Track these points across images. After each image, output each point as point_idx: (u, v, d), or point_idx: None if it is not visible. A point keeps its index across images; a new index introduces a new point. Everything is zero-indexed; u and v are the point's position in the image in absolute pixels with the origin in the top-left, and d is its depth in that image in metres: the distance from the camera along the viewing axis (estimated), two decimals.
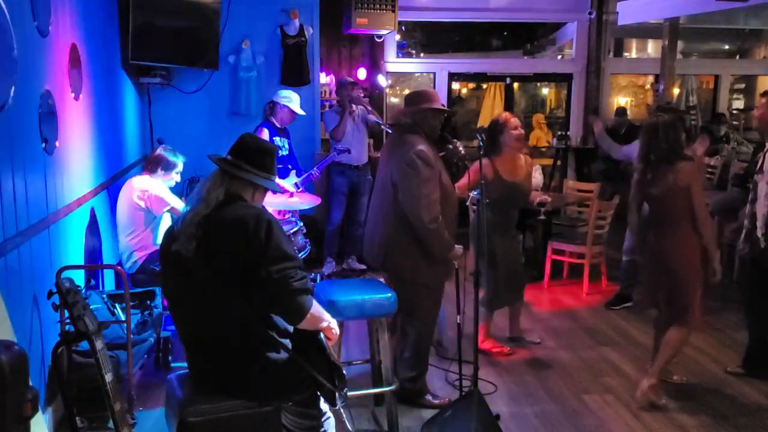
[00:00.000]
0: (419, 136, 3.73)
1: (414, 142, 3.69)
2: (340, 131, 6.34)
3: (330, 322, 2.55)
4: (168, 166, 4.51)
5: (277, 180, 5.53)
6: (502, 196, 4.40)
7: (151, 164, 4.56)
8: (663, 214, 3.91)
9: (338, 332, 2.63)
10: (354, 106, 6.46)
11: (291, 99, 5.86)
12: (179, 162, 4.58)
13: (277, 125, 5.90)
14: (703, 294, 3.94)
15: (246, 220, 2.37)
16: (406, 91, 11.03)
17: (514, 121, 4.50)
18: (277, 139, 5.79)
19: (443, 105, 3.92)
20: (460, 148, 3.92)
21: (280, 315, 2.48)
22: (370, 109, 6.66)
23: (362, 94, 6.66)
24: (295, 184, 5.74)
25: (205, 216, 2.40)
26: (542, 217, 6.19)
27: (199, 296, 2.41)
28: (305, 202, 5.23)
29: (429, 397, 3.93)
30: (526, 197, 4.67)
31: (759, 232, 4.14)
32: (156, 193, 4.38)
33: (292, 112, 5.90)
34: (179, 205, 4.41)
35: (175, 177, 4.60)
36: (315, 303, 2.47)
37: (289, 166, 5.99)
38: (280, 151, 5.77)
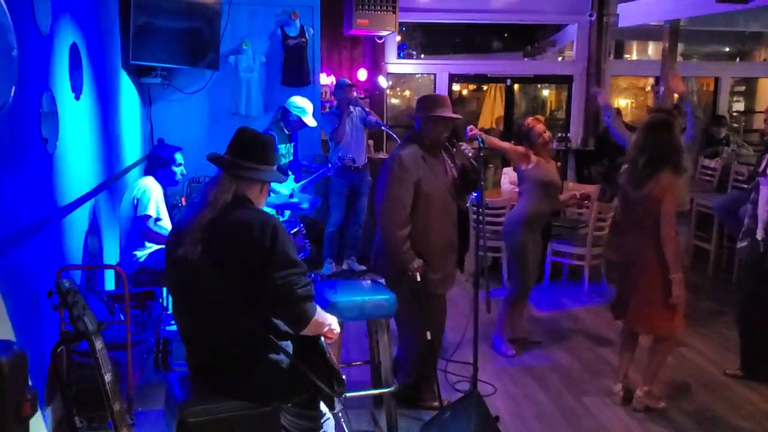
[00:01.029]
0: (415, 143, 3.74)
1: (401, 147, 3.75)
2: (339, 133, 6.34)
3: (331, 324, 2.55)
4: (165, 164, 4.46)
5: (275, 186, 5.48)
6: (551, 183, 4.66)
7: (149, 165, 4.55)
8: (637, 222, 3.83)
9: (339, 331, 2.63)
10: (351, 107, 6.46)
11: (304, 110, 5.71)
12: (174, 155, 4.47)
13: (285, 131, 5.86)
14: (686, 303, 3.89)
15: (251, 225, 2.36)
16: (407, 93, 11.05)
17: (540, 127, 4.68)
18: (282, 146, 5.76)
19: (454, 112, 3.84)
20: (465, 150, 3.89)
21: (284, 321, 2.48)
22: (368, 110, 6.67)
23: (363, 95, 6.66)
24: (292, 189, 5.72)
25: (211, 220, 2.39)
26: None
27: (202, 298, 2.40)
28: (305, 202, 5.23)
29: (429, 402, 3.92)
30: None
31: (759, 236, 4.14)
32: (142, 198, 4.30)
33: (303, 122, 5.84)
34: (154, 213, 4.28)
35: (178, 170, 4.50)
36: (318, 308, 2.47)
37: (289, 172, 5.96)
38: (282, 158, 5.75)
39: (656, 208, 3.71)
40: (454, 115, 3.82)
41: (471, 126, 4.52)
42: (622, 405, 4.00)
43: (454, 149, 3.85)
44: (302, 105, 5.73)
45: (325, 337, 2.57)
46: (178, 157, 4.51)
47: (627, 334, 4.08)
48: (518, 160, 4.68)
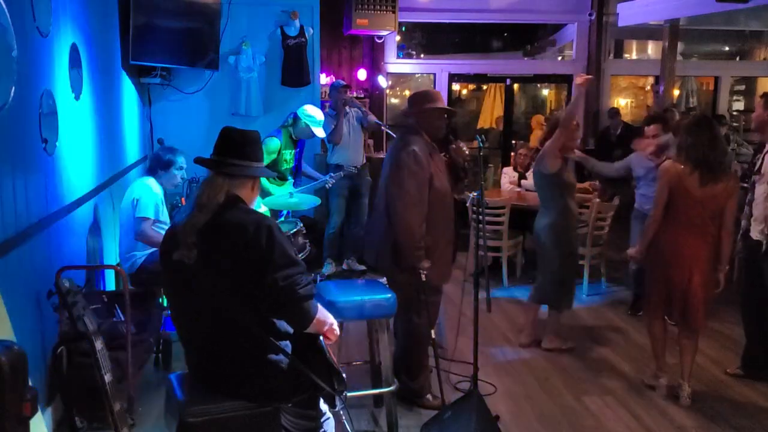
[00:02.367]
0: (419, 137, 3.72)
1: (410, 142, 3.70)
2: (336, 135, 6.35)
3: (333, 324, 2.55)
4: (165, 165, 4.46)
5: (272, 188, 5.46)
6: (574, 185, 4.68)
7: (151, 166, 4.55)
8: (694, 220, 3.88)
9: (338, 333, 2.63)
10: (348, 108, 6.46)
11: (314, 120, 5.68)
12: (176, 158, 4.47)
13: (293, 137, 5.84)
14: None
15: (246, 227, 2.34)
16: (407, 92, 11.05)
17: (577, 122, 4.68)
18: (286, 152, 5.76)
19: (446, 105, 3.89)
20: (464, 149, 3.91)
21: (287, 321, 2.48)
22: (365, 110, 6.67)
23: (362, 95, 6.65)
24: (289, 192, 5.71)
25: (205, 223, 2.38)
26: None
27: (200, 300, 2.39)
28: (305, 203, 5.22)
29: (429, 397, 3.92)
30: None
31: (754, 235, 4.15)
32: (142, 199, 4.28)
33: (312, 132, 5.81)
34: (152, 216, 4.25)
35: (179, 173, 4.49)
36: (319, 306, 2.47)
37: (289, 177, 5.95)
38: (285, 164, 5.75)
39: (720, 205, 3.85)
40: (450, 108, 3.83)
41: (581, 74, 4.50)
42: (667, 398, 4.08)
43: (453, 146, 3.86)
44: (313, 114, 5.71)
45: (326, 337, 2.57)
46: (180, 159, 4.49)
47: (657, 328, 4.14)
48: (556, 150, 4.47)
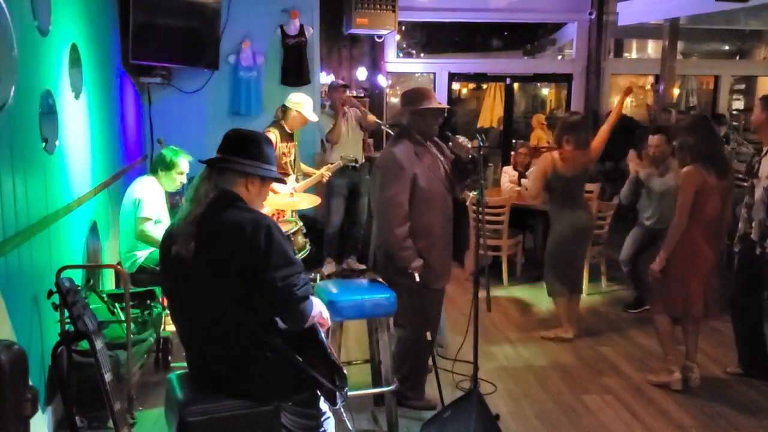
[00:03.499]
0: (406, 139, 3.71)
1: (393, 144, 3.73)
2: (335, 134, 6.34)
3: (322, 311, 2.56)
4: (167, 166, 4.43)
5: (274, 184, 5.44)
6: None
7: (153, 165, 4.55)
8: (716, 211, 4.03)
9: (329, 318, 2.64)
10: (347, 107, 6.45)
11: (302, 104, 5.70)
12: (179, 161, 4.45)
13: (287, 130, 5.83)
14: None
15: (243, 226, 2.34)
16: None
17: None
18: (283, 145, 5.75)
19: (439, 102, 3.81)
20: (463, 142, 3.84)
21: (283, 320, 2.48)
22: (364, 110, 6.66)
23: (362, 94, 6.64)
24: (293, 188, 5.71)
25: (200, 215, 2.38)
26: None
27: (198, 298, 2.39)
28: (305, 202, 5.22)
29: (415, 401, 3.91)
30: None
31: (754, 237, 4.15)
32: (143, 199, 4.29)
33: (304, 117, 5.80)
34: (153, 216, 4.28)
35: (179, 177, 4.48)
36: (313, 303, 2.48)
37: (291, 172, 5.94)
38: (284, 158, 5.74)
39: (722, 201, 4.03)
40: (441, 105, 3.80)
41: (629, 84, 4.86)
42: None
43: (451, 143, 3.83)
44: (300, 100, 5.68)
45: (319, 324, 2.57)
46: (183, 163, 4.46)
47: (665, 323, 4.22)
48: (592, 158, 4.84)
